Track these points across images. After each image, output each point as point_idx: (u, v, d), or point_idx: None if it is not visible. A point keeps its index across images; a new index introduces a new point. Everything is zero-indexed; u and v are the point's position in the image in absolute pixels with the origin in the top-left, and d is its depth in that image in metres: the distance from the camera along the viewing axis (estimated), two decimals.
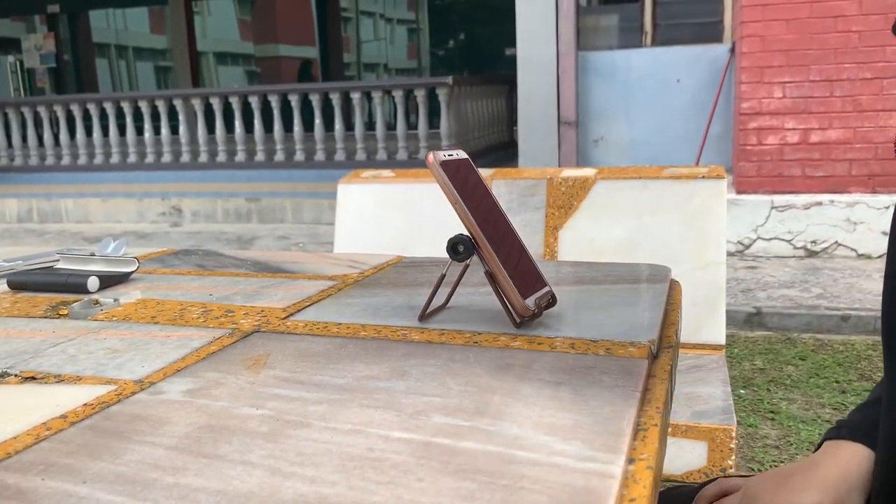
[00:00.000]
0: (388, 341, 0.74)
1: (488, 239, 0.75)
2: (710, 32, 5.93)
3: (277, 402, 0.60)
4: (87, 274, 0.98)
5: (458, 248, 0.75)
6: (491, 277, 0.76)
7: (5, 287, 1.01)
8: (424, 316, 0.80)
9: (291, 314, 0.85)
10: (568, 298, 0.88)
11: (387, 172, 2.06)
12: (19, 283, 1.00)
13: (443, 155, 0.77)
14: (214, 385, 0.64)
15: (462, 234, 0.75)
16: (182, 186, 7.39)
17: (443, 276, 0.79)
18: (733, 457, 1.36)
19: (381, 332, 0.77)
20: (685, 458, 1.38)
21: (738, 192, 4.88)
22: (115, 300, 0.92)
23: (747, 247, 4.78)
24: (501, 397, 0.59)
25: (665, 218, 1.82)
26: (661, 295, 0.89)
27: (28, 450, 0.53)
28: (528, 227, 1.90)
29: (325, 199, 6.52)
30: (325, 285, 0.98)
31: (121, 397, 0.62)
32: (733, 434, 1.35)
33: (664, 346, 0.74)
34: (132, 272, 1.04)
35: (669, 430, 1.39)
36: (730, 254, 4.77)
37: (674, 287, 0.94)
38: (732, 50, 5.51)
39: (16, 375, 0.68)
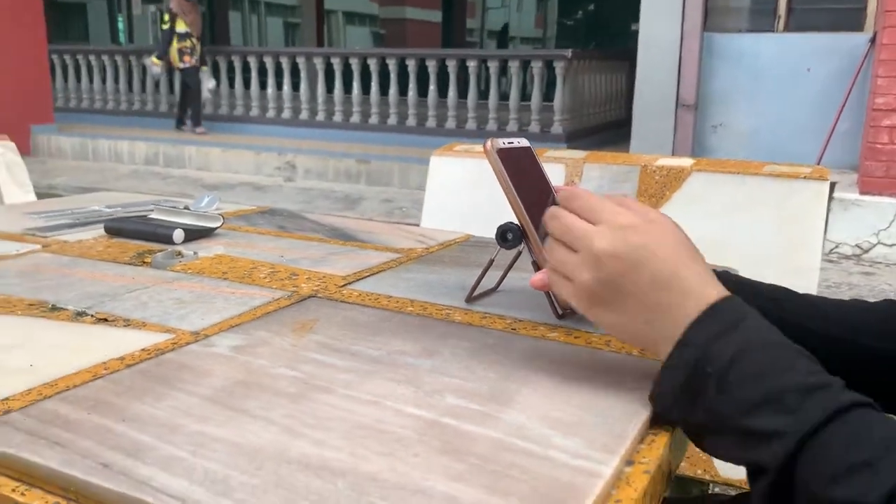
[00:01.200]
0: (431, 319, 0.77)
1: (538, 230, 0.76)
2: (849, 20, 5.57)
3: (311, 366, 0.64)
4: (175, 226, 1.06)
5: (507, 236, 0.77)
6: (537, 267, 0.77)
7: (102, 232, 1.10)
8: (471, 298, 0.82)
9: (350, 283, 0.89)
10: None
11: (480, 147, 2.08)
12: (114, 230, 1.09)
13: (502, 143, 0.78)
14: (260, 343, 0.69)
15: (511, 223, 0.76)
16: (298, 143, 7.64)
17: (492, 261, 0.81)
18: None
19: (426, 308, 0.80)
20: None
21: (862, 193, 4.61)
22: (195, 253, 0.99)
23: (866, 251, 4.52)
24: (519, 386, 0.61)
25: (759, 217, 1.75)
26: None
27: (84, 385, 0.59)
28: None
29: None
30: (390, 257, 1.02)
31: (175, 346, 0.68)
32: None
33: None
34: (217, 228, 1.11)
35: None
36: (845, 257, 4.53)
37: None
38: (873, 40, 5.17)
39: (91, 316, 0.75)
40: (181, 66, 7.95)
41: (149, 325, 0.73)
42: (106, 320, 0.74)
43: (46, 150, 8.20)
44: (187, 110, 8.28)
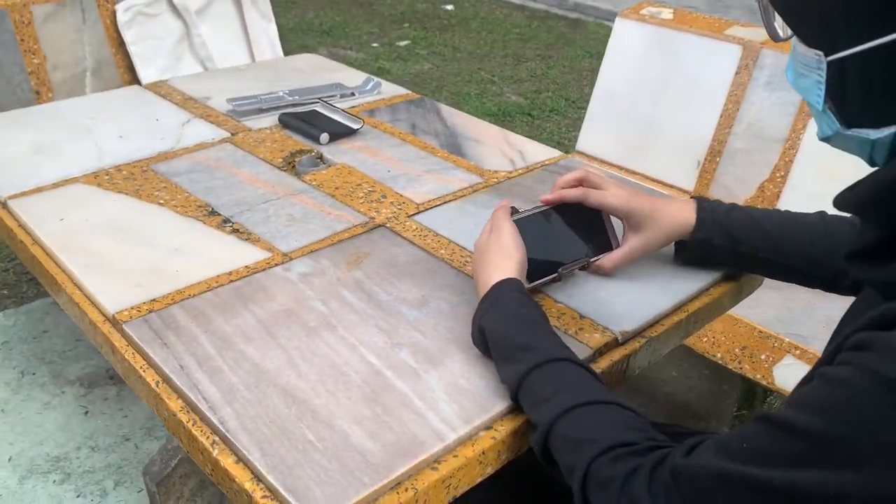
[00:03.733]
0: (448, 266, 1.03)
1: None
2: None
3: (337, 303, 0.95)
4: (323, 128, 1.37)
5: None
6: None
7: (276, 121, 1.45)
8: None
9: (420, 212, 1.17)
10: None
11: (667, 12, 2.09)
12: (285, 122, 1.43)
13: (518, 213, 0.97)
14: (319, 273, 1.01)
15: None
16: None
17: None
18: None
19: (454, 253, 1.06)
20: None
21: None
22: (326, 164, 1.31)
23: None
24: (458, 349, 0.88)
25: None
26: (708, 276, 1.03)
27: (198, 296, 0.96)
28: (781, 108, 1.86)
29: None
30: (470, 182, 1.26)
31: (268, 266, 1.02)
32: None
33: (643, 336, 0.94)
34: (358, 129, 1.41)
35: (797, 352, 1.50)
36: None
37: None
38: None
39: (230, 225, 1.11)
40: None
41: (260, 242, 1.08)
42: (237, 231, 1.10)
43: None
44: None
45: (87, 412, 1.89)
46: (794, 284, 0.99)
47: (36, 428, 1.84)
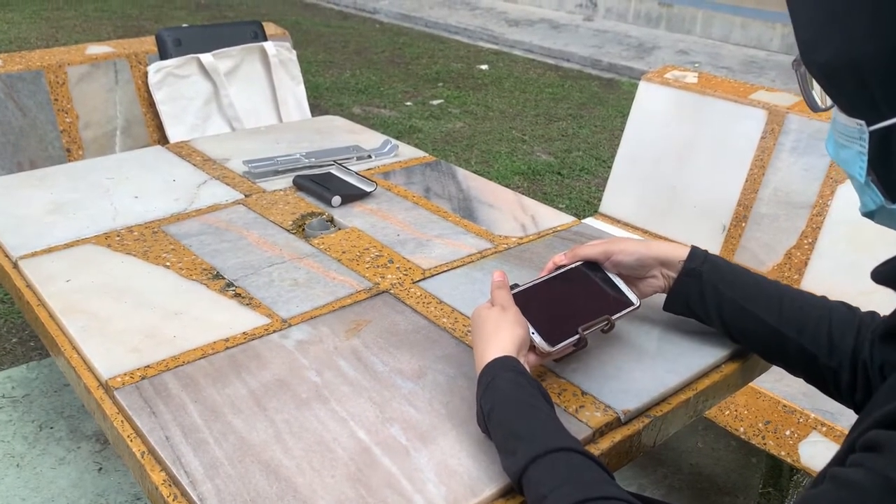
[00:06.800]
0: (449, 336, 1.01)
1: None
2: None
3: (332, 374, 0.93)
4: (336, 191, 1.37)
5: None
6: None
7: (291, 183, 1.46)
8: None
9: (426, 278, 1.15)
10: (648, 334, 1.03)
11: (692, 76, 2.08)
12: (300, 185, 1.44)
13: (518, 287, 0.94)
14: (317, 341, 0.99)
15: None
16: None
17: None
18: None
19: (456, 322, 1.04)
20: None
21: None
22: (336, 227, 1.30)
23: None
24: (452, 427, 0.85)
25: None
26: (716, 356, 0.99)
27: (192, 363, 0.94)
28: (807, 174, 1.82)
29: (739, 17, 6.12)
30: (480, 248, 1.24)
31: (266, 333, 1.01)
32: None
33: (647, 415, 0.90)
34: (371, 192, 1.41)
35: (823, 429, 1.43)
36: None
37: None
38: None
39: (233, 289, 1.11)
40: None
41: (261, 307, 1.06)
42: (239, 295, 1.09)
43: None
44: None
45: (100, 469, 1.88)
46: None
47: (49, 484, 1.83)
